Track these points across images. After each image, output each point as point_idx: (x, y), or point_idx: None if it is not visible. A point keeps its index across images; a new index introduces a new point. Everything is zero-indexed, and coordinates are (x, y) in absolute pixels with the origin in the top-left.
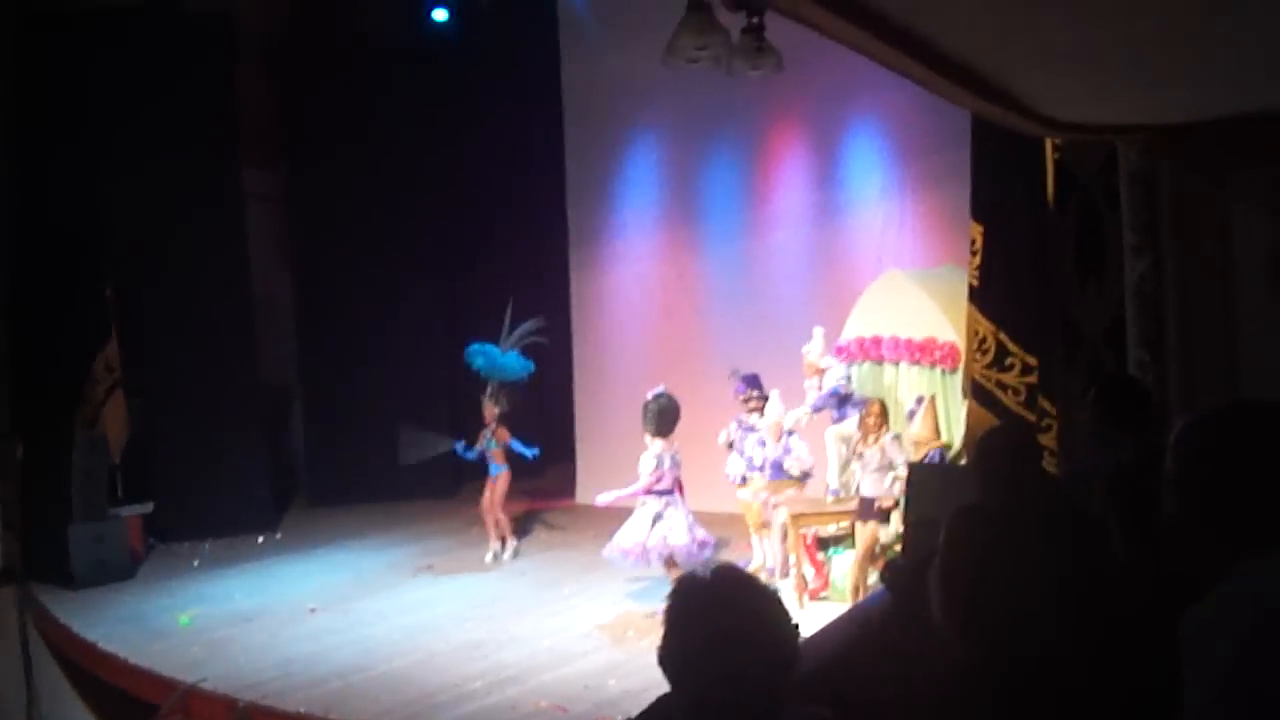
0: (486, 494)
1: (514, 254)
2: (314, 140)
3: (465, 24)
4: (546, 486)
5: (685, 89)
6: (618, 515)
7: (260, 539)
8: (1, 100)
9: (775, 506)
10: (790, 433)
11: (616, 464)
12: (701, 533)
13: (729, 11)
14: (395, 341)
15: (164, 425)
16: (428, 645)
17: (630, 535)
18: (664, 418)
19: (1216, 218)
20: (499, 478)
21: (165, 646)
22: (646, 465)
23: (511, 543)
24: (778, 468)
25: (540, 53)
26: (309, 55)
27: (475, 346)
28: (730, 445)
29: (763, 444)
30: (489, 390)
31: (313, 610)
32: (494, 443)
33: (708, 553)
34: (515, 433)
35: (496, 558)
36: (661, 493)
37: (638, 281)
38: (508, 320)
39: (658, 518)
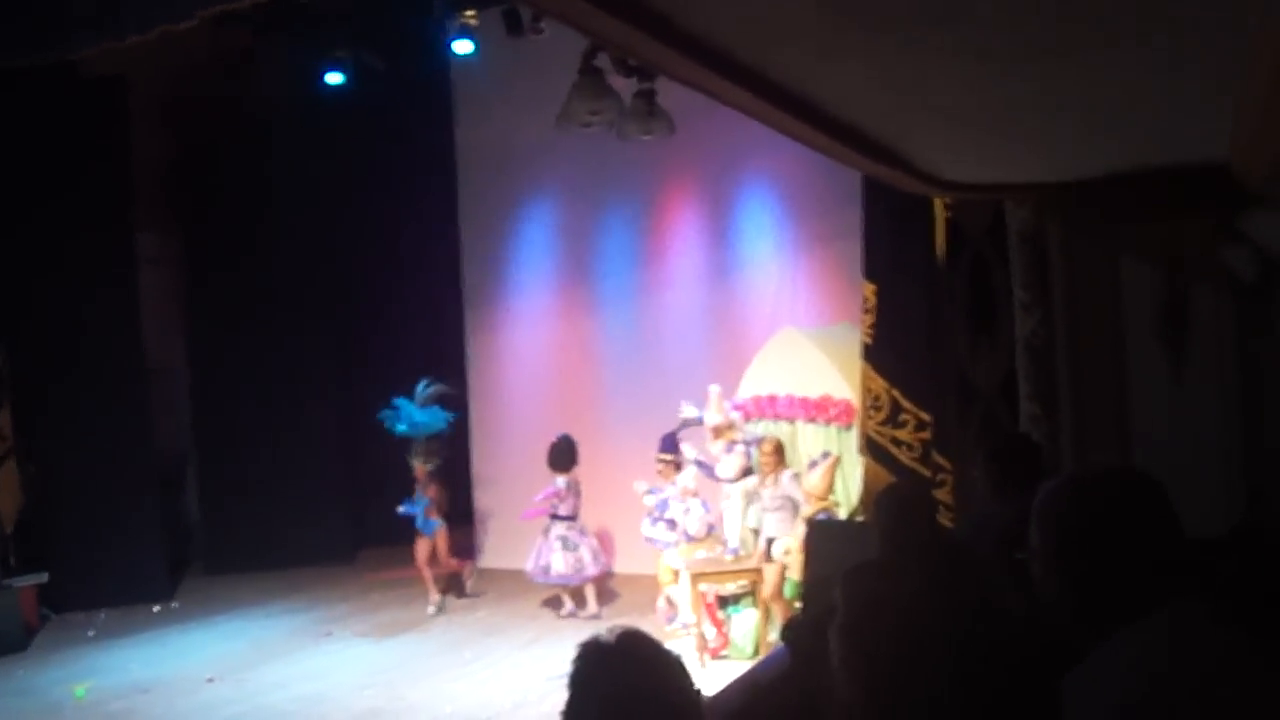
0: (422, 550)
1: (410, 316)
2: (208, 204)
3: (360, 87)
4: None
5: (579, 152)
6: (517, 578)
7: (156, 608)
8: None
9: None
10: (698, 494)
11: (516, 525)
12: (602, 558)
13: (621, 77)
14: (290, 406)
15: (57, 494)
16: (327, 714)
17: (549, 559)
18: (564, 455)
19: (1105, 273)
20: (438, 532)
21: None
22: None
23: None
24: (688, 534)
25: (434, 116)
26: (204, 118)
27: (390, 412)
28: (651, 515)
29: (670, 505)
30: (414, 449)
31: (210, 680)
32: (428, 499)
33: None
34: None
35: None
36: (566, 518)
37: (534, 343)
38: (422, 383)
39: (566, 542)
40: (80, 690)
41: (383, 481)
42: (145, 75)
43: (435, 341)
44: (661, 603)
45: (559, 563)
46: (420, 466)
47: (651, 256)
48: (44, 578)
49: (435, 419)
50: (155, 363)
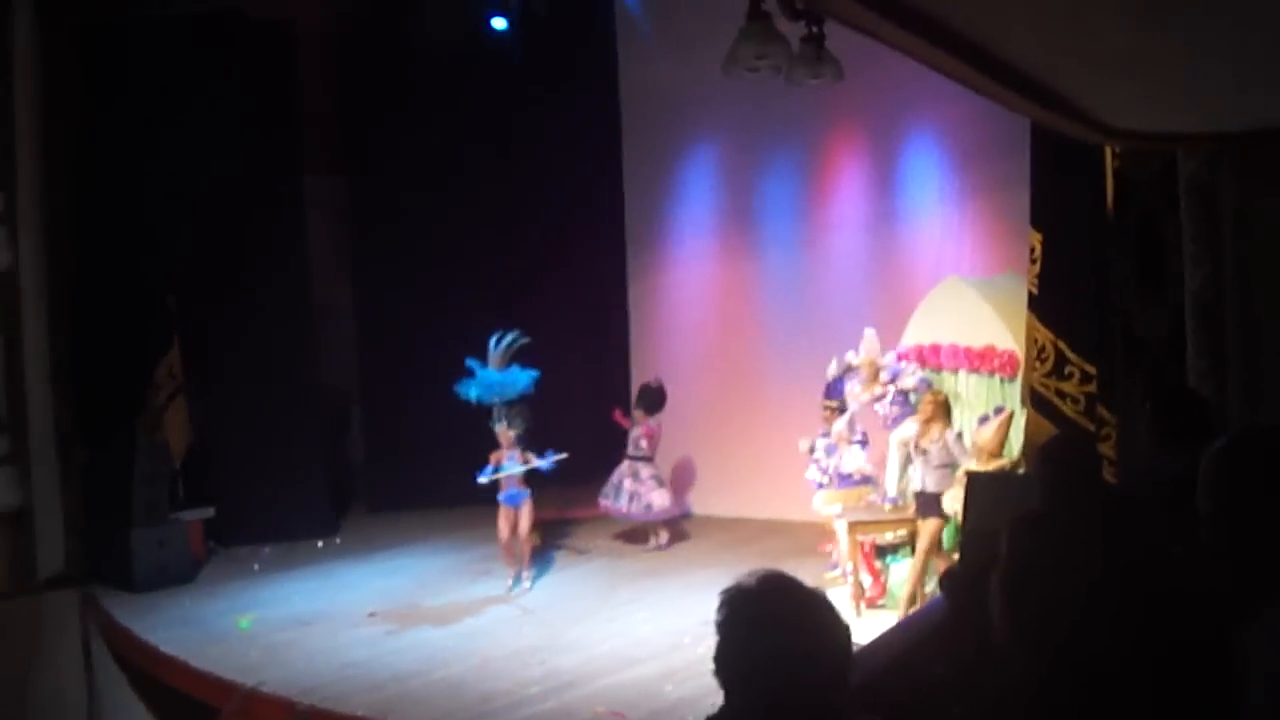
0: (505, 524)
1: (573, 260)
2: (375, 147)
3: (524, 33)
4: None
5: (744, 97)
6: (674, 524)
7: (320, 543)
8: (65, 108)
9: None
10: (855, 441)
11: (675, 470)
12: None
13: (789, 21)
14: (454, 348)
15: (225, 431)
16: (485, 650)
17: (651, 497)
18: (660, 398)
19: (1277, 226)
20: (524, 505)
21: (225, 650)
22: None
23: (528, 573)
24: (842, 476)
25: (598, 61)
26: (370, 62)
27: (465, 378)
28: (810, 451)
29: (831, 451)
30: (495, 413)
31: (371, 614)
32: (518, 466)
33: (676, 511)
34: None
35: (517, 584)
36: (649, 459)
37: (696, 288)
38: (494, 339)
39: (659, 480)
40: (245, 621)
41: (545, 423)
42: (313, 19)
43: (597, 284)
44: (829, 549)
45: (660, 500)
46: (504, 432)
47: (815, 202)
48: (211, 512)
49: (512, 380)
50: (322, 303)
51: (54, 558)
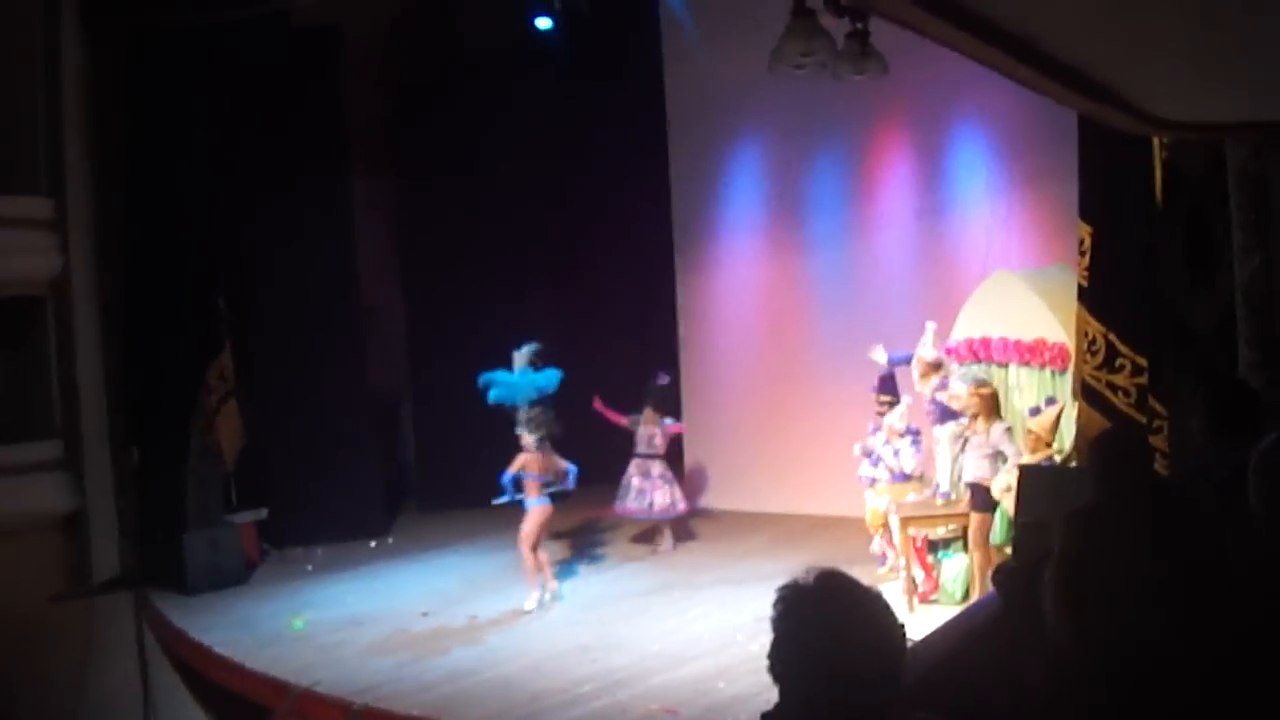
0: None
1: (621, 259)
2: (422, 149)
3: (569, 32)
4: None
5: (789, 92)
6: (731, 518)
7: (372, 544)
8: (116, 115)
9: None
10: (906, 434)
11: (726, 467)
12: (679, 493)
13: (834, 17)
14: (503, 347)
15: (277, 433)
16: (537, 649)
17: (654, 495)
18: (674, 398)
19: None
20: (533, 512)
21: (279, 650)
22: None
23: (552, 585)
24: (894, 471)
25: (643, 59)
26: (416, 65)
27: (486, 379)
28: (868, 454)
29: (885, 444)
30: (518, 417)
31: (424, 614)
32: (528, 473)
33: (678, 511)
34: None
35: (541, 604)
36: (662, 457)
37: (744, 284)
38: (518, 347)
39: (665, 479)
40: (299, 622)
41: (591, 421)
42: (357, 24)
43: (646, 282)
44: (875, 546)
45: (662, 498)
46: (525, 436)
47: (862, 196)
48: (264, 514)
49: (531, 381)
50: (372, 304)
51: (108, 561)
